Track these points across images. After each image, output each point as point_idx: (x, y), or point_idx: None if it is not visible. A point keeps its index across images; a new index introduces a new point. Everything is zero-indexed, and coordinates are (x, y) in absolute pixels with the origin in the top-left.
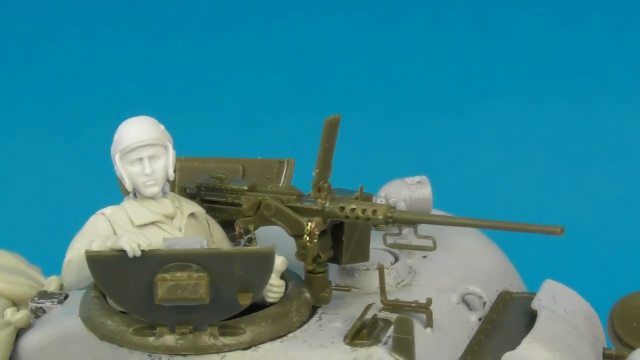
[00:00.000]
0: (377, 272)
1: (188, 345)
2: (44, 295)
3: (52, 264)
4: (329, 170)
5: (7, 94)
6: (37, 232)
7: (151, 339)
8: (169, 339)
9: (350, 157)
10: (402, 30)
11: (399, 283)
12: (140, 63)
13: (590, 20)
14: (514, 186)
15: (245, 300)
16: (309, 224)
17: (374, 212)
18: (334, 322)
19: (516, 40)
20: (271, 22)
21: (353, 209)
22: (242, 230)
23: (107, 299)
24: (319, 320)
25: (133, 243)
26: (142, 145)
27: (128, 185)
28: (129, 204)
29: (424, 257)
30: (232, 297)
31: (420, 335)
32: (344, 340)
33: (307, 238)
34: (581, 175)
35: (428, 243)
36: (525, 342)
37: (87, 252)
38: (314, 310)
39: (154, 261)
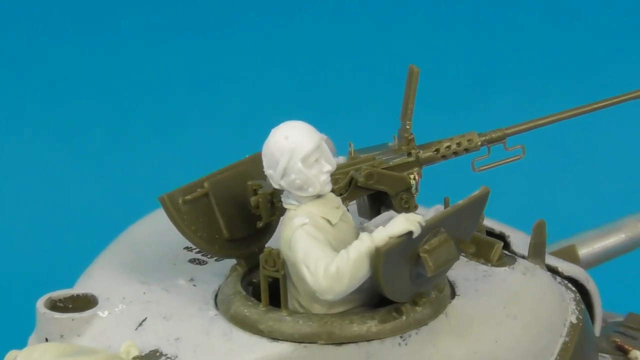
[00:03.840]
0: None
1: (429, 313)
2: (147, 357)
3: (52, 262)
4: None
5: (7, 94)
6: (37, 232)
7: (403, 318)
8: (416, 314)
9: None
10: (400, 30)
11: None
12: (140, 63)
13: (592, 21)
14: (514, 185)
15: (469, 248)
16: (410, 176)
17: (469, 141)
18: None
19: (516, 39)
20: (261, 22)
21: (448, 147)
22: None
23: (304, 305)
24: None
25: (415, 222)
26: (317, 147)
27: (314, 190)
28: (310, 208)
29: None
30: (457, 250)
31: None
32: (490, 265)
33: (415, 190)
34: (581, 175)
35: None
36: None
37: (379, 248)
38: None
39: (420, 235)
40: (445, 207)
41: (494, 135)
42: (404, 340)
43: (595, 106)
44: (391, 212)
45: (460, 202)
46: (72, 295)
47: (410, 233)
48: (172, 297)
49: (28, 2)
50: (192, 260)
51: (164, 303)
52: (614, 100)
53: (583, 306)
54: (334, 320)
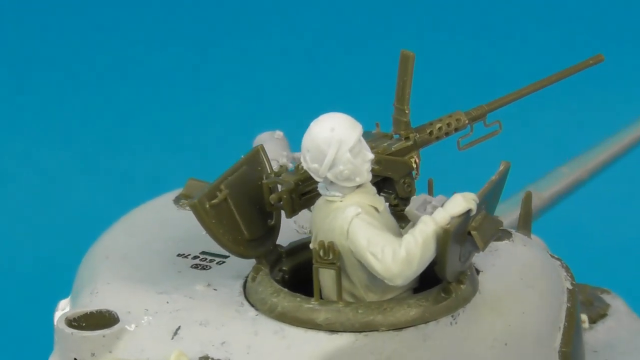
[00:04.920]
0: None
1: (470, 290)
2: None
3: (52, 262)
4: None
5: (7, 94)
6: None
7: (452, 297)
8: (462, 292)
9: None
10: (400, 28)
11: None
12: (137, 63)
13: (591, 20)
14: (514, 185)
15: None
16: (411, 160)
17: (457, 120)
18: None
19: (516, 39)
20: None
21: (440, 128)
22: None
23: (356, 295)
24: None
25: (471, 200)
26: (361, 136)
27: (361, 179)
28: (357, 197)
29: None
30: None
31: None
32: (495, 241)
33: (416, 173)
34: None
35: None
36: None
37: (447, 228)
38: None
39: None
40: (429, 189)
41: (477, 113)
42: (454, 319)
43: (562, 75)
44: (424, 195)
45: (493, 178)
46: (86, 313)
47: (469, 211)
48: (199, 303)
49: (28, 3)
50: (195, 267)
51: (193, 310)
52: (578, 67)
53: (571, 272)
54: (393, 306)
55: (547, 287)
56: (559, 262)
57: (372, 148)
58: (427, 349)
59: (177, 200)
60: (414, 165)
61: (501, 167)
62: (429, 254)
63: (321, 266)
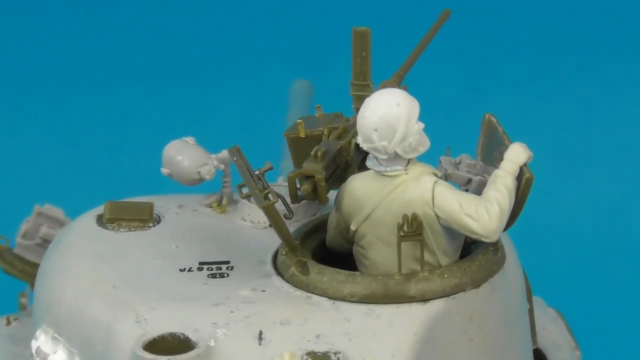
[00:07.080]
0: None
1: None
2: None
3: None
4: None
5: (7, 93)
6: None
7: (500, 246)
8: (501, 243)
9: None
10: (398, 27)
11: None
12: (139, 64)
13: (591, 20)
14: None
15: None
16: None
17: (392, 86)
18: None
19: (516, 38)
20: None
21: None
22: None
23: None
24: None
25: (527, 148)
26: None
27: (424, 148)
28: (419, 167)
29: None
30: None
31: None
32: None
33: None
34: (580, 175)
35: None
36: None
37: (530, 177)
38: None
39: None
40: None
41: (398, 79)
42: (503, 270)
43: (432, 34)
44: (444, 157)
45: (500, 129)
46: (150, 341)
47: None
48: (264, 306)
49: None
50: (212, 276)
51: (262, 313)
52: (437, 25)
53: None
54: (470, 265)
55: (505, 237)
56: None
57: (345, 130)
58: (495, 300)
59: (101, 224)
60: None
61: (494, 119)
62: (511, 206)
63: (407, 239)
